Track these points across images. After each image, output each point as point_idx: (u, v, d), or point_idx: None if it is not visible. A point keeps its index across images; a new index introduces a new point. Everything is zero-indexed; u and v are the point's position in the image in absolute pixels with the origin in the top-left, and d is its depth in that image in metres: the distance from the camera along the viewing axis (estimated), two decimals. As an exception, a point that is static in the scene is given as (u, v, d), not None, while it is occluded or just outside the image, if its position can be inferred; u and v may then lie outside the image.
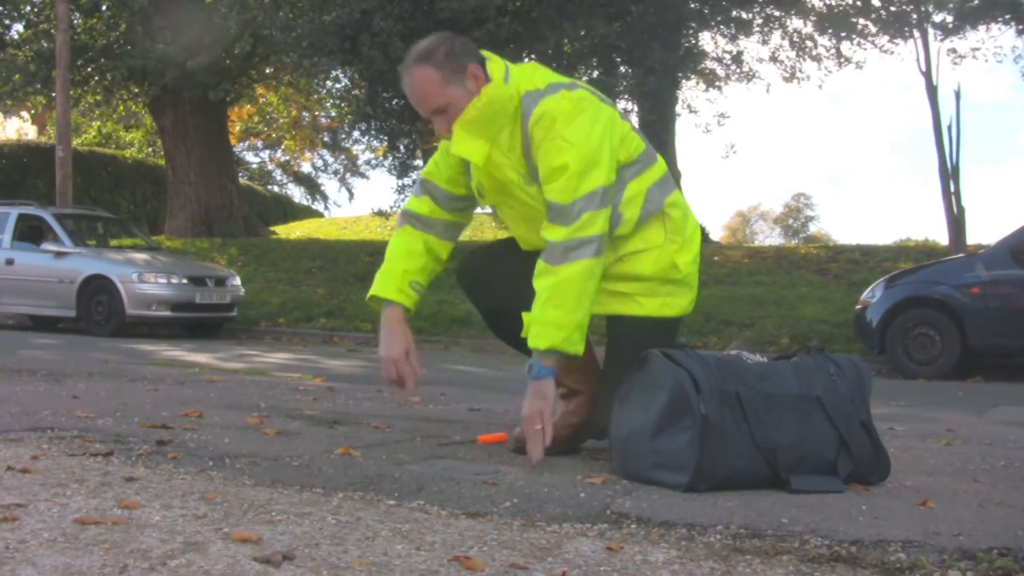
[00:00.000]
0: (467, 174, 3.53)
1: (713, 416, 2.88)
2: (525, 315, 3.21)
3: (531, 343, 3.16)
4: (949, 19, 19.58)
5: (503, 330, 3.68)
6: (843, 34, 21.12)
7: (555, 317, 3.14)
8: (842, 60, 22.02)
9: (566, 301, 3.14)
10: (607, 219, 3.22)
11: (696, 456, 2.86)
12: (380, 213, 20.99)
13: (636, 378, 3.14)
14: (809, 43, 22.23)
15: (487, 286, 3.70)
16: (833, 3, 21.18)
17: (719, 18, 20.47)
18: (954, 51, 20.06)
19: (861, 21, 20.82)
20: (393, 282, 3.55)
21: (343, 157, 46.29)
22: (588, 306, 3.20)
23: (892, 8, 19.98)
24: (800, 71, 22.78)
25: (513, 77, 3.30)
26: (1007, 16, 19.05)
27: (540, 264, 3.21)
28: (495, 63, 3.34)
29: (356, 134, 21.81)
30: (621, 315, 3.44)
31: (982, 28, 19.70)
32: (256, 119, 36.41)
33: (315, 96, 28.95)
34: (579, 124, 3.20)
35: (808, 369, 3.10)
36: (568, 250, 3.15)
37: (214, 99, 22.28)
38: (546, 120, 3.20)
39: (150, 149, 34.19)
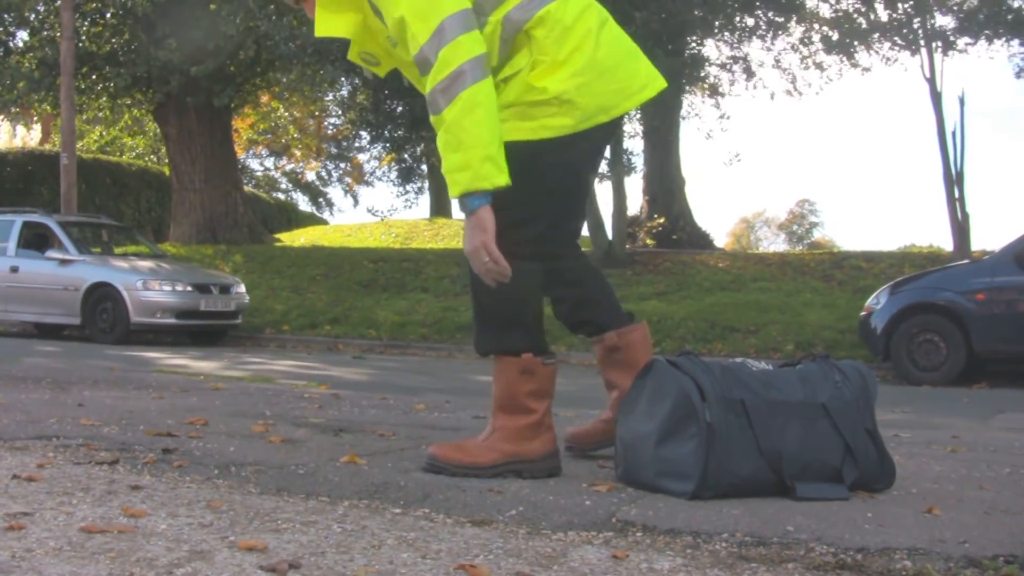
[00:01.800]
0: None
1: (718, 423, 2.88)
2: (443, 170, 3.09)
3: (451, 193, 3.02)
4: (950, 27, 19.57)
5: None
6: (847, 41, 21.11)
7: (457, 160, 2.97)
8: (846, 65, 22.01)
9: (461, 140, 2.96)
10: (473, 41, 2.99)
11: (701, 464, 2.86)
12: (372, 212, 21.14)
13: (641, 385, 3.14)
14: (813, 48, 22.22)
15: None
16: (837, 7, 21.17)
17: (723, 24, 20.47)
18: (950, 44, 20.03)
19: (864, 25, 20.80)
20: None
21: (348, 166, 46.37)
22: (487, 135, 2.96)
23: (896, 14, 19.99)
24: (804, 80, 22.80)
25: None
26: (1009, 35, 19.07)
27: (432, 119, 3.04)
28: None
29: (363, 142, 21.88)
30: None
31: (982, 40, 19.68)
32: (262, 126, 36.45)
33: (319, 104, 28.98)
34: None
35: (813, 376, 3.10)
36: (439, 92, 2.98)
37: (218, 105, 22.30)
38: None
39: (154, 157, 34.24)
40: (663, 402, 3.00)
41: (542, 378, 3.32)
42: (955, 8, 19.46)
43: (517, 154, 3.07)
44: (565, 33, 3.16)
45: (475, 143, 2.96)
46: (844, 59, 21.75)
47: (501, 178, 2.99)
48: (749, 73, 22.44)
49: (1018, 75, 20.02)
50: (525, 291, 3.21)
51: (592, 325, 3.58)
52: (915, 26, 19.41)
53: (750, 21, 20.99)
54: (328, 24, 3.24)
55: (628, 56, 3.32)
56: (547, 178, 3.20)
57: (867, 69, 22.10)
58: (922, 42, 19.48)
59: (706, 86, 22.58)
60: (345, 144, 40.46)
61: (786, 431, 2.94)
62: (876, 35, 20.47)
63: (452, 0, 3.01)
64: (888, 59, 20.99)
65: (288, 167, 47.23)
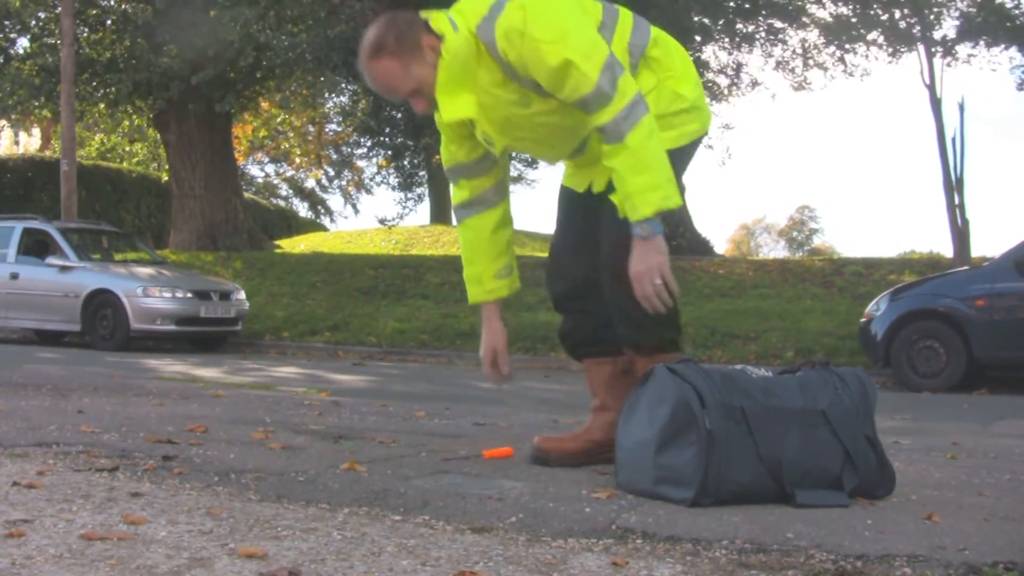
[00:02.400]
0: (473, 134, 3.47)
1: (718, 431, 2.88)
2: (612, 196, 3.24)
3: (635, 216, 3.13)
4: (951, 34, 19.62)
5: (577, 316, 3.66)
6: (847, 45, 21.14)
7: (645, 181, 3.12)
8: (847, 69, 22.03)
9: (647, 163, 3.13)
10: (631, 75, 3.22)
11: (701, 471, 2.86)
12: (383, 222, 20.99)
13: (641, 392, 3.14)
14: (814, 51, 22.23)
15: (560, 270, 3.70)
16: (837, 13, 21.19)
17: (723, 31, 20.50)
18: (951, 54, 20.07)
19: (863, 31, 20.83)
20: (479, 286, 3.73)
21: (348, 173, 46.39)
22: (665, 158, 3.16)
23: (896, 17, 20.02)
24: (806, 81, 22.79)
25: (458, 21, 3.24)
26: (1006, 42, 19.11)
27: (605, 148, 3.18)
28: (438, 18, 3.27)
29: (364, 148, 21.85)
30: None
31: (981, 45, 19.71)
32: (262, 133, 36.47)
33: (320, 110, 29.01)
34: (544, 19, 3.14)
35: (813, 383, 3.10)
36: (621, 121, 3.12)
37: (220, 111, 22.31)
38: (513, 37, 3.14)
39: (154, 164, 34.25)
40: (663, 409, 3.00)
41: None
42: (955, 14, 19.49)
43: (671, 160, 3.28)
44: (673, 48, 3.48)
45: (660, 165, 3.14)
46: (843, 63, 21.77)
47: (679, 199, 3.18)
48: (753, 84, 22.49)
49: (1020, 87, 20.02)
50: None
51: (611, 344, 3.60)
52: (915, 32, 19.44)
53: (750, 27, 21.01)
54: (452, 108, 3.29)
55: None
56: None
57: (866, 73, 22.11)
58: (921, 48, 19.51)
59: (707, 93, 22.57)
60: (347, 150, 40.52)
61: (786, 438, 2.94)
62: (875, 35, 20.50)
63: (600, 38, 3.22)
64: (891, 58, 21.01)
65: (288, 173, 47.24)
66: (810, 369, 3.19)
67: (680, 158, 3.43)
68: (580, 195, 3.60)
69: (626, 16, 3.44)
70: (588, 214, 3.55)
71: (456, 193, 3.69)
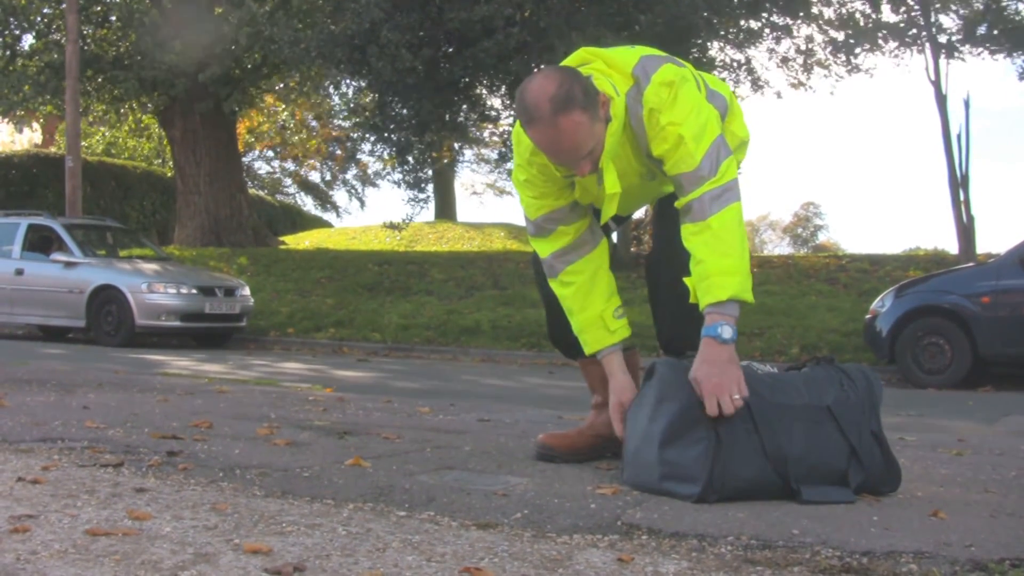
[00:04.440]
0: (565, 183, 3.38)
1: (725, 427, 2.88)
2: (687, 280, 3.12)
3: (710, 298, 3.02)
4: (955, 38, 19.58)
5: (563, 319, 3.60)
6: (852, 42, 21.09)
7: (726, 265, 3.03)
8: (851, 68, 21.98)
9: (731, 247, 3.05)
10: (736, 165, 3.20)
11: (707, 467, 2.86)
12: (392, 226, 20.90)
13: (646, 388, 3.14)
14: (818, 49, 22.19)
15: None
16: (843, 12, 21.15)
17: (728, 27, 20.46)
18: (957, 52, 20.04)
19: (869, 25, 20.80)
20: (601, 329, 3.43)
21: (353, 168, 46.43)
22: (747, 252, 3.09)
23: (901, 17, 19.99)
24: (808, 79, 22.75)
25: (614, 80, 3.19)
26: (1011, 48, 19.09)
27: (688, 227, 3.10)
28: (599, 78, 3.18)
29: (367, 146, 21.81)
30: None
31: (985, 50, 19.69)
32: (266, 127, 36.50)
33: (324, 107, 29.03)
34: (680, 104, 3.12)
35: (818, 379, 3.10)
36: (714, 199, 3.07)
37: (227, 111, 22.33)
38: (655, 114, 3.12)
39: (159, 160, 34.28)
40: (670, 405, 2.99)
41: None
42: (958, 15, 19.45)
43: None
44: (725, 90, 3.53)
45: (742, 254, 3.06)
46: (849, 61, 21.72)
47: (752, 296, 3.08)
48: (755, 84, 22.42)
49: (1021, 77, 20.03)
50: None
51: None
52: (920, 31, 19.42)
53: (755, 24, 20.96)
54: (613, 177, 3.17)
55: None
56: None
57: (870, 71, 22.05)
58: (927, 45, 19.48)
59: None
60: (350, 144, 40.56)
61: (791, 434, 2.94)
62: (882, 33, 20.46)
63: (718, 121, 3.21)
64: (896, 56, 20.97)
65: (292, 168, 47.26)
66: (815, 365, 3.19)
67: None
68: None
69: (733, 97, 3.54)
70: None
71: (550, 244, 3.46)
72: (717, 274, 3.02)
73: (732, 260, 3.03)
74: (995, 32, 18.62)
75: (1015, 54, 19.45)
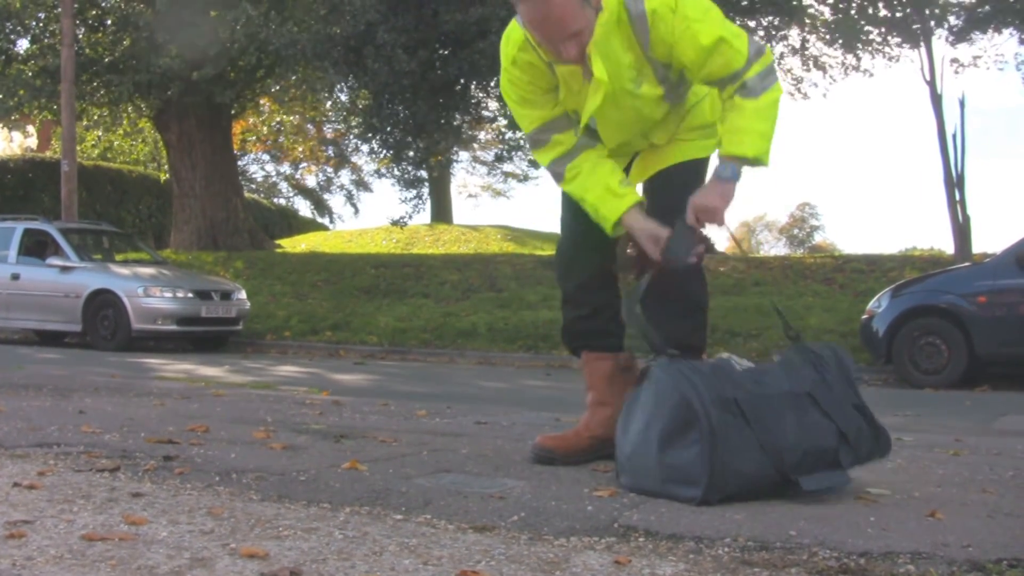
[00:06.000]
0: (553, 93, 3.44)
1: (718, 425, 2.88)
2: (721, 126, 3.31)
3: (734, 149, 3.22)
4: (958, 23, 19.58)
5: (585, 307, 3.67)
6: (849, 43, 21.10)
7: (762, 128, 3.22)
8: (848, 68, 21.99)
9: (770, 117, 3.24)
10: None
11: (707, 468, 2.86)
12: (396, 222, 20.93)
13: (639, 393, 3.13)
14: (814, 51, 22.21)
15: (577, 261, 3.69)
16: (837, 9, 21.16)
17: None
18: (956, 60, 20.11)
19: (867, 27, 20.81)
20: (613, 198, 3.40)
21: (349, 171, 46.45)
22: (775, 129, 3.29)
23: (897, 14, 20.00)
24: (808, 81, 22.75)
25: None
26: (1017, 22, 19.06)
27: (738, 100, 3.23)
28: None
29: (364, 148, 21.82)
30: (683, 161, 3.52)
31: (990, 32, 19.69)
32: (263, 129, 36.48)
33: (320, 108, 29.02)
34: (696, 4, 3.23)
35: (795, 365, 3.13)
36: (764, 77, 3.24)
37: (220, 101, 22.28)
38: (663, 12, 3.18)
39: (154, 164, 34.27)
40: (662, 409, 2.99)
41: None
42: (960, 5, 19.45)
43: (702, 168, 3.55)
44: None
45: (773, 128, 3.26)
46: (845, 60, 21.74)
47: (768, 161, 3.28)
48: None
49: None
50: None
51: (617, 338, 3.65)
52: (914, 23, 19.43)
53: (751, 23, 20.97)
54: (600, 65, 3.23)
55: None
56: None
57: (867, 72, 22.02)
58: (922, 43, 19.49)
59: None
60: (347, 148, 40.55)
61: (782, 424, 2.95)
62: (878, 30, 20.46)
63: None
64: (890, 57, 20.99)
65: (287, 171, 47.26)
66: (789, 350, 3.19)
67: (703, 169, 3.59)
68: None
69: None
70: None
71: (547, 153, 3.53)
72: (750, 132, 3.22)
73: (766, 128, 3.23)
74: (997, 5, 18.56)
75: (1019, 34, 19.41)
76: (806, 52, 22.27)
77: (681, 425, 2.93)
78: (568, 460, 3.55)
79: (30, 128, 34.57)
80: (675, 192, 3.39)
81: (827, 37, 21.50)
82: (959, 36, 19.71)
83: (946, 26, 19.63)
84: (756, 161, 3.23)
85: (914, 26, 19.64)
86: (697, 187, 3.39)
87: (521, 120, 3.55)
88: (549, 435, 3.68)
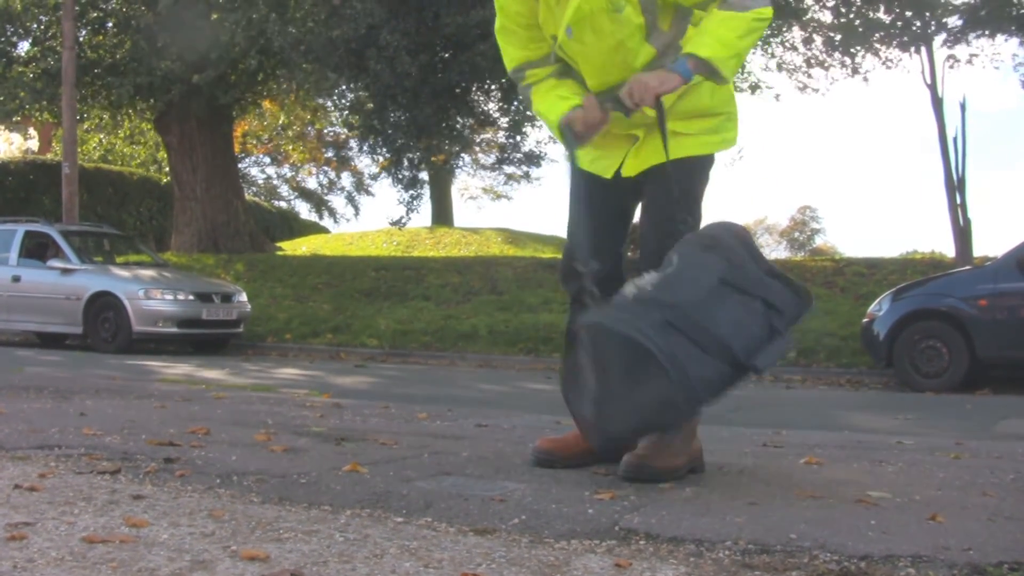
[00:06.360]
0: (536, 28, 3.52)
1: (668, 348, 2.90)
2: (690, 29, 3.36)
3: (691, 48, 3.26)
4: (957, 24, 19.58)
5: None
6: (851, 46, 21.09)
7: (726, 36, 3.24)
8: (850, 69, 21.96)
9: (739, 30, 3.25)
10: None
11: (680, 388, 2.89)
12: (396, 223, 20.92)
13: (577, 358, 3.14)
14: (815, 51, 22.18)
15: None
16: (838, 12, 21.16)
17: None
18: (952, 56, 20.08)
19: (868, 31, 20.80)
20: (558, 103, 3.52)
21: (349, 174, 46.45)
22: (750, 45, 3.34)
23: (895, 18, 20.01)
24: (808, 78, 22.74)
25: None
26: (1013, 28, 19.06)
27: (715, 8, 3.29)
28: None
29: (364, 149, 21.82)
30: (687, 157, 3.47)
31: (987, 36, 19.69)
32: (262, 133, 36.49)
33: (321, 112, 29.01)
34: None
35: (695, 258, 3.12)
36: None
37: (223, 102, 22.28)
38: None
39: (155, 166, 34.28)
40: (612, 356, 3.00)
41: None
42: (960, 7, 19.44)
43: (704, 166, 3.52)
44: None
45: (743, 38, 3.28)
46: (845, 63, 21.72)
47: (730, 77, 3.35)
48: (754, 88, 22.46)
49: None
50: None
51: None
52: (914, 26, 19.43)
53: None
54: None
55: None
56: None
57: (867, 74, 22.00)
58: (922, 46, 19.49)
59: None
60: (349, 150, 40.53)
61: (715, 322, 2.98)
62: (878, 35, 20.46)
63: None
64: (890, 60, 20.99)
65: (288, 174, 47.26)
66: (681, 244, 3.20)
67: (711, 166, 3.56)
68: (606, 182, 3.57)
69: None
70: (613, 203, 3.58)
71: (521, 76, 3.68)
72: (712, 35, 3.25)
73: (732, 35, 3.25)
74: (995, 10, 18.56)
75: (1019, 35, 19.40)
76: (807, 51, 22.27)
77: (637, 363, 2.93)
78: (568, 463, 3.55)
79: (32, 131, 34.57)
80: (672, 191, 3.39)
81: (829, 36, 21.47)
82: (956, 39, 19.71)
83: (944, 27, 19.62)
84: (709, 65, 3.24)
85: (913, 27, 19.64)
86: (698, 186, 3.40)
87: (504, 57, 3.68)
88: (549, 438, 3.69)
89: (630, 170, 3.51)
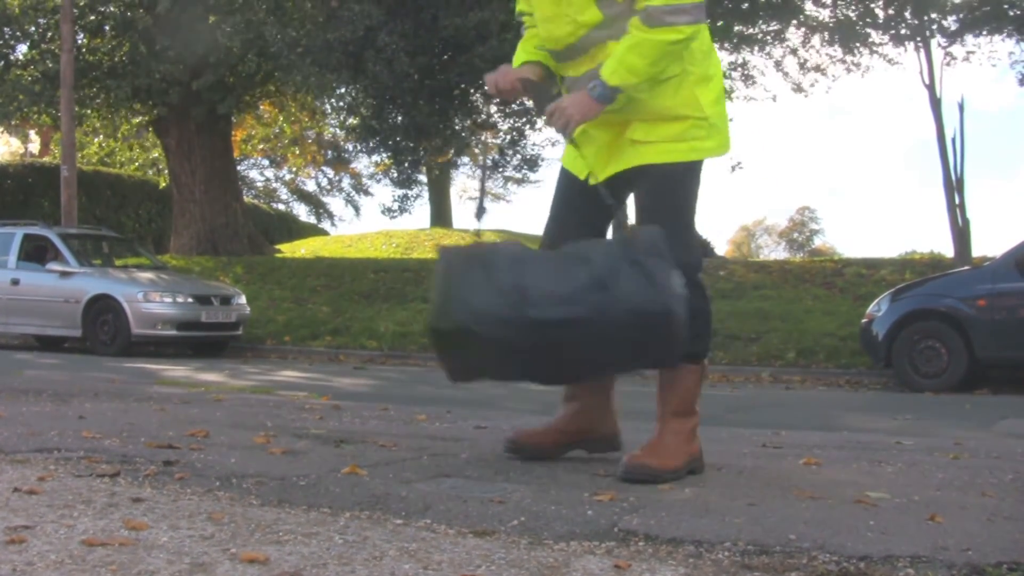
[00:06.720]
0: None
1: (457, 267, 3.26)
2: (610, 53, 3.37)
3: (603, 72, 3.32)
4: (953, 26, 19.59)
5: None
6: (848, 44, 21.10)
7: (633, 63, 3.28)
8: (848, 66, 21.97)
9: (649, 53, 3.28)
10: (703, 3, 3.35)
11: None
12: (387, 211, 20.99)
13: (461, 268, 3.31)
14: (813, 52, 22.20)
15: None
16: (838, 13, 21.17)
17: (722, 30, 20.45)
18: (949, 54, 20.09)
19: (865, 30, 20.82)
20: (520, 54, 3.71)
21: (347, 176, 46.45)
22: (668, 66, 3.33)
23: (892, 13, 20.01)
24: (808, 80, 22.74)
25: None
26: (1011, 27, 19.07)
27: (633, 26, 3.30)
28: None
29: (363, 149, 21.85)
30: (649, 165, 3.46)
31: (984, 35, 19.70)
32: (262, 135, 36.46)
33: (319, 114, 29.00)
34: None
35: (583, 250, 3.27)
36: (665, 13, 3.26)
37: (222, 112, 22.29)
38: None
39: (155, 167, 34.28)
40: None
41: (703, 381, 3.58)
42: (956, 6, 19.45)
43: (677, 174, 3.47)
44: (708, 53, 3.52)
45: (655, 64, 3.30)
46: (844, 59, 21.72)
47: (642, 94, 3.37)
48: (748, 79, 22.43)
49: (1022, 83, 20.04)
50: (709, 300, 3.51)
51: None
52: (912, 23, 19.43)
53: (750, 29, 20.98)
54: None
55: None
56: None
57: (860, 68, 21.96)
58: (920, 46, 19.49)
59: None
60: (348, 152, 40.52)
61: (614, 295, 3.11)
62: (876, 33, 20.47)
63: None
64: (889, 59, 20.99)
65: (287, 176, 47.27)
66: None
67: (690, 176, 3.50)
68: (580, 182, 3.60)
69: None
70: (586, 205, 3.59)
71: (521, 24, 3.81)
72: (621, 63, 3.30)
73: (642, 62, 3.28)
74: (993, 10, 18.56)
75: (1016, 36, 19.40)
76: (805, 56, 22.28)
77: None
78: (535, 454, 3.65)
79: (33, 134, 34.57)
80: (642, 200, 3.51)
81: (826, 37, 21.48)
82: (952, 39, 19.72)
83: (942, 26, 19.63)
84: (616, 89, 3.31)
85: (910, 21, 19.64)
86: (675, 196, 3.44)
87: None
88: (523, 429, 3.79)
89: (600, 176, 3.52)
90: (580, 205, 3.61)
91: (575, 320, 3.08)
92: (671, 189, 3.46)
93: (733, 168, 23.10)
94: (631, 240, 3.24)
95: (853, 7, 20.66)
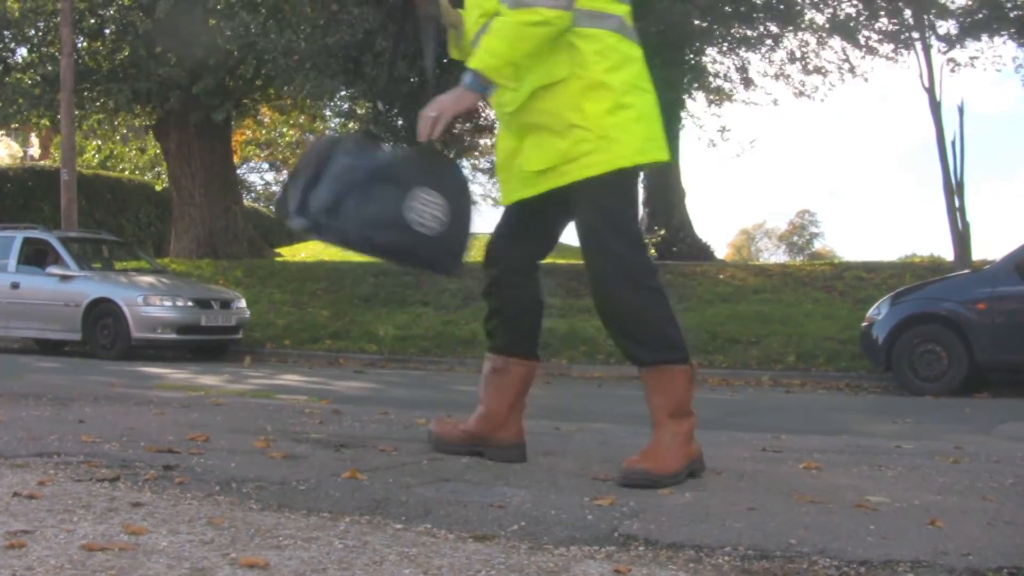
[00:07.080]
0: None
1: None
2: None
3: (468, 62, 3.44)
4: (953, 31, 19.59)
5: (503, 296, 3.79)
6: (847, 46, 21.12)
7: (492, 45, 3.35)
8: (848, 69, 21.97)
9: (508, 35, 3.33)
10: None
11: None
12: None
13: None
14: (813, 55, 22.20)
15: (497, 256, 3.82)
16: (838, 14, 21.17)
17: (724, 35, 20.47)
18: (953, 60, 20.09)
19: (865, 33, 20.82)
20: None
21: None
22: (529, 50, 3.33)
23: (893, 19, 20.02)
24: (810, 84, 22.74)
25: None
26: (1011, 30, 19.07)
27: (500, 14, 3.37)
28: None
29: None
30: (556, 189, 3.46)
31: (984, 39, 19.70)
32: (261, 139, 36.47)
33: (319, 118, 29.01)
34: None
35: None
36: None
37: (217, 120, 22.31)
38: None
39: (155, 170, 34.28)
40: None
41: (693, 382, 3.54)
42: (957, 10, 19.46)
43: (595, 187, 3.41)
44: (603, 56, 3.46)
45: (515, 46, 3.34)
46: (843, 64, 21.73)
47: (505, 80, 3.40)
48: (747, 82, 22.44)
49: None
50: (671, 304, 3.48)
51: (497, 339, 3.79)
52: (913, 31, 19.44)
53: (750, 32, 20.99)
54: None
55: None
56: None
57: (865, 78, 22.03)
58: (920, 50, 19.49)
59: (711, 95, 22.42)
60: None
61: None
62: (877, 36, 20.48)
63: None
64: (889, 58, 20.99)
65: (287, 180, 47.27)
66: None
67: (604, 189, 3.41)
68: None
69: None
70: (530, 205, 3.61)
71: None
72: (482, 48, 3.39)
73: (502, 45, 3.34)
74: (993, 12, 18.55)
75: (1016, 38, 19.39)
76: (806, 59, 22.28)
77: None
78: (440, 448, 3.83)
79: (33, 138, 34.57)
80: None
81: (825, 39, 21.49)
82: (953, 44, 19.72)
83: (939, 33, 19.63)
84: (483, 76, 3.37)
85: (912, 33, 19.65)
86: (599, 212, 3.45)
87: None
88: (443, 420, 4.03)
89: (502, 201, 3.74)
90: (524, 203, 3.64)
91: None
92: (591, 205, 3.45)
93: (741, 152, 22.98)
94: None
95: (853, 9, 20.66)
